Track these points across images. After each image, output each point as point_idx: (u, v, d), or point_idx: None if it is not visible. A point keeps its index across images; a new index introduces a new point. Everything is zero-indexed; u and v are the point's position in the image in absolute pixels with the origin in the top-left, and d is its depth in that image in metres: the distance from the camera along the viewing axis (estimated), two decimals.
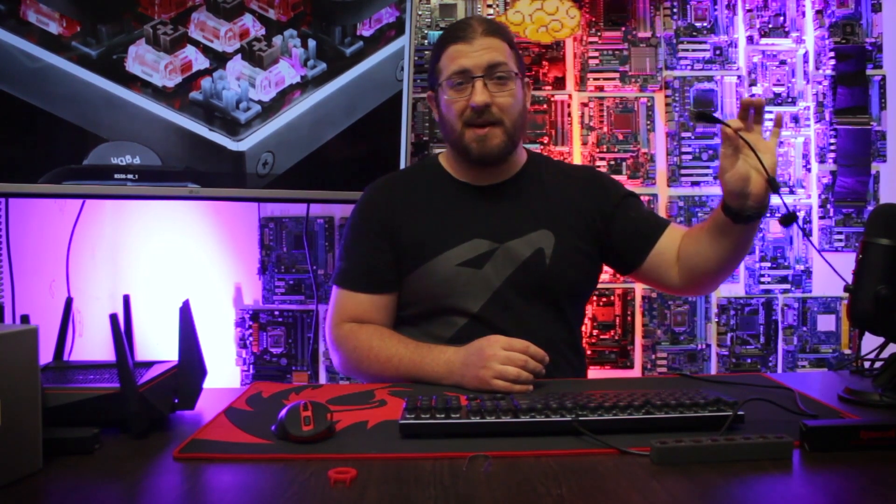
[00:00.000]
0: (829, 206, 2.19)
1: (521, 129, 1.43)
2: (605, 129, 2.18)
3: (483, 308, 1.38)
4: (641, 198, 2.18)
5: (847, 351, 2.18)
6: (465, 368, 1.19)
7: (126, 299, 1.13)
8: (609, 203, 1.46)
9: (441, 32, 1.46)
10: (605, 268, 1.56)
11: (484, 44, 1.36)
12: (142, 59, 1.77)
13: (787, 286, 2.19)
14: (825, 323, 2.19)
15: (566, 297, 1.43)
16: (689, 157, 2.19)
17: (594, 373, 2.16)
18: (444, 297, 1.39)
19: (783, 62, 2.19)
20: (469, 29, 1.38)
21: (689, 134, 2.18)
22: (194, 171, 1.82)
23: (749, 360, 2.19)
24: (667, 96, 2.18)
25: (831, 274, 1.23)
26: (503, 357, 1.15)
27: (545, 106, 2.18)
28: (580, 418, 0.93)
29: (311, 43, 1.89)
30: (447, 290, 1.38)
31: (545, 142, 2.18)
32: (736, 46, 2.19)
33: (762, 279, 2.19)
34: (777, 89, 2.19)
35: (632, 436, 0.91)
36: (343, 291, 1.43)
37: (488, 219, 1.41)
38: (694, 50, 2.19)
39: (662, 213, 2.18)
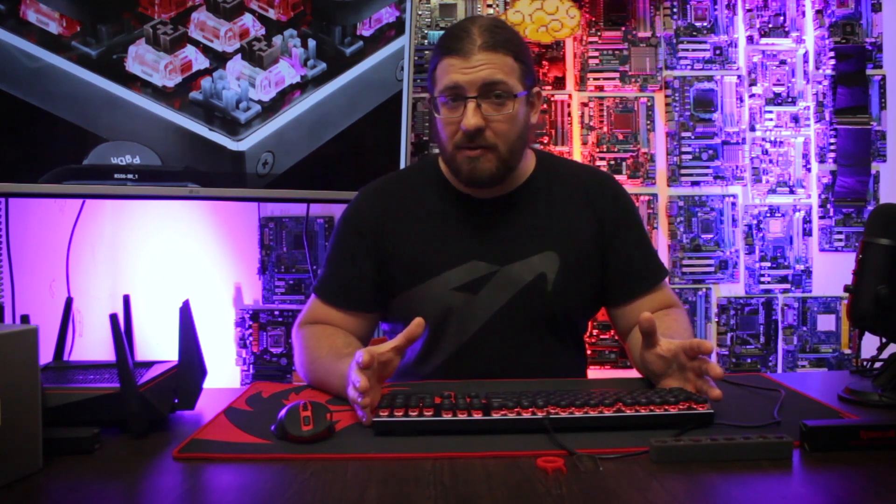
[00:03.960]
0: (829, 206, 2.19)
1: (519, 150, 1.29)
2: (605, 128, 2.18)
3: (476, 335, 1.30)
4: (641, 198, 2.22)
5: (847, 351, 2.18)
6: (345, 386, 1.07)
7: (126, 299, 1.13)
8: (614, 222, 1.36)
9: (443, 32, 1.33)
10: None
11: (481, 59, 1.20)
12: (142, 58, 1.77)
13: (787, 286, 2.19)
14: (825, 323, 2.19)
15: (567, 324, 1.35)
16: (689, 156, 2.19)
17: (594, 373, 2.16)
18: (436, 323, 1.29)
19: (783, 62, 2.19)
20: (467, 40, 1.22)
21: (689, 134, 2.18)
22: (194, 171, 1.82)
23: (749, 360, 2.19)
24: (667, 96, 2.18)
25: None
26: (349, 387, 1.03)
27: (545, 106, 2.18)
28: (551, 416, 0.93)
29: (311, 43, 1.89)
30: (440, 315, 1.29)
31: (545, 142, 2.18)
32: (736, 46, 2.19)
33: (762, 279, 2.19)
34: (777, 89, 2.19)
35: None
36: (317, 300, 1.35)
37: (488, 238, 1.31)
38: (694, 50, 2.19)
39: (662, 213, 2.19)
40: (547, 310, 1.31)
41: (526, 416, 0.94)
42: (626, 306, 1.35)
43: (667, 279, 1.41)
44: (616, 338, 2.15)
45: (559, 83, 2.19)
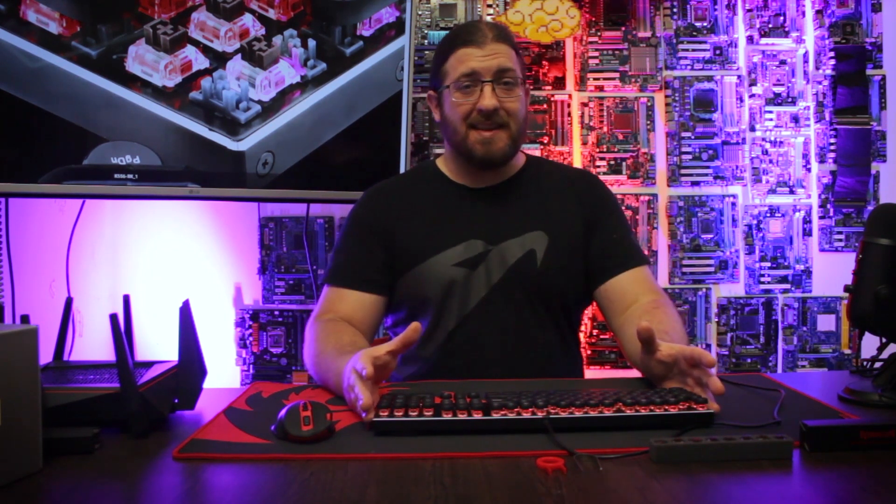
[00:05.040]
0: (829, 206, 2.19)
1: (523, 133, 1.43)
2: (605, 128, 2.18)
3: (474, 310, 1.38)
4: (641, 198, 2.22)
5: (847, 351, 2.18)
6: (341, 383, 1.09)
7: (126, 299, 1.13)
8: (597, 210, 1.45)
9: (447, 33, 1.44)
10: None
11: (494, 49, 1.36)
12: (142, 58, 1.77)
13: (787, 286, 2.19)
14: (825, 323, 2.19)
15: (558, 300, 1.41)
16: (689, 157, 2.19)
17: (594, 373, 2.16)
18: (437, 299, 1.38)
19: (783, 62, 2.19)
20: (479, 33, 1.37)
21: (688, 134, 2.18)
22: (194, 171, 1.82)
23: (749, 360, 2.19)
24: (667, 96, 2.18)
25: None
26: (345, 386, 1.06)
27: (545, 106, 2.18)
28: (551, 416, 0.93)
29: (311, 43, 1.89)
30: (441, 291, 1.38)
31: (545, 142, 2.18)
32: (736, 46, 2.19)
33: (762, 279, 2.19)
34: (777, 89, 2.19)
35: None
36: (329, 289, 1.41)
37: (484, 220, 1.41)
38: (694, 50, 2.19)
39: (662, 213, 2.19)
40: (537, 285, 1.39)
41: (526, 416, 0.94)
42: (607, 284, 1.40)
43: (648, 270, 1.44)
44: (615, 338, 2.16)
45: (559, 83, 2.19)
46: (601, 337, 2.18)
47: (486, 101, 1.34)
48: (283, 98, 1.87)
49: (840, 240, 2.19)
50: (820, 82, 2.19)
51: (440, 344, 1.39)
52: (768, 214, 2.19)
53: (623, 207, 2.13)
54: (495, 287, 1.38)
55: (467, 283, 1.38)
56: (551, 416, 0.93)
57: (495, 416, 0.94)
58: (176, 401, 1.05)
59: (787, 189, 2.19)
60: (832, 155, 2.17)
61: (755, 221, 2.19)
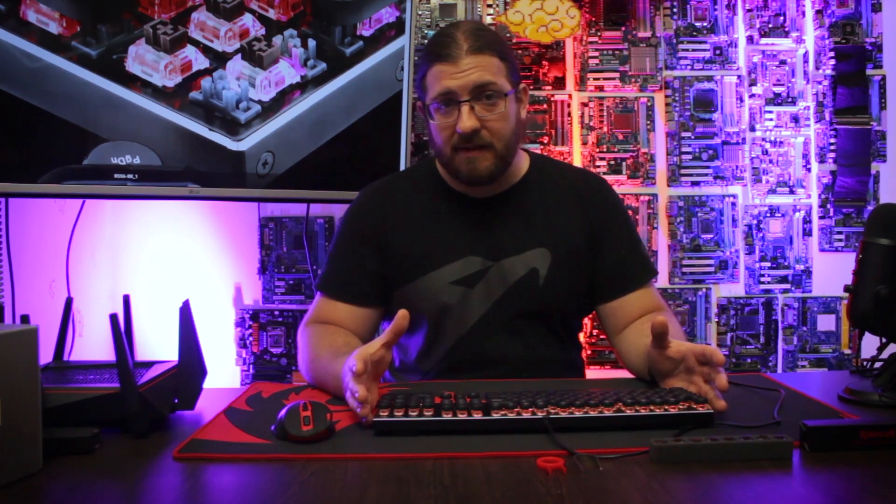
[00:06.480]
0: (829, 206, 2.19)
1: (514, 146, 1.34)
2: (605, 129, 2.18)
3: (473, 328, 1.34)
4: (641, 198, 2.22)
5: (847, 351, 2.18)
6: (340, 385, 1.08)
7: (126, 299, 1.13)
8: (604, 220, 1.39)
9: (427, 41, 1.33)
10: None
11: (470, 63, 1.24)
12: (142, 58, 1.77)
13: (787, 286, 2.19)
14: (825, 323, 2.19)
15: (559, 318, 1.38)
16: (689, 157, 2.19)
17: (594, 373, 2.16)
18: (433, 317, 1.34)
19: (783, 62, 2.19)
20: (453, 46, 1.25)
21: (689, 134, 2.18)
22: (194, 171, 1.82)
23: (749, 360, 2.19)
24: (667, 96, 2.18)
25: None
26: (343, 386, 1.05)
27: (545, 106, 2.18)
28: (551, 416, 0.93)
29: (311, 43, 1.88)
30: (437, 310, 1.34)
31: (545, 142, 2.18)
32: (736, 46, 2.19)
33: (762, 279, 2.19)
34: (777, 89, 2.19)
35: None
36: (322, 297, 1.38)
37: (484, 235, 1.36)
38: (694, 50, 2.19)
39: (662, 213, 2.19)
40: (539, 304, 1.35)
41: (526, 416, 0.94)
42: (613, 303, 1.38)
43: (654, 283, 1.42)
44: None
45: (559, 83, 2.19)
46: (601, 337, 2.18)
47: (463, 123, 1.24)
48: (283, 98, 1.87)
49: (840, 240, 2.19)
50: (820, 82, 2.19)
51: (438, 360, 1.37)
52: (768, 214, 2.19)
53: None
54: (495, 305, 1.34)
55: (465, 301, 1.34)
56: (551, 416, 0.93)
57: (495, 416, 0.94)
58: (176, 401, 1.05)
59: (787, 189, 2.19)
60: (832, 155, 2.17)
61: (755, 221, 2.19)
